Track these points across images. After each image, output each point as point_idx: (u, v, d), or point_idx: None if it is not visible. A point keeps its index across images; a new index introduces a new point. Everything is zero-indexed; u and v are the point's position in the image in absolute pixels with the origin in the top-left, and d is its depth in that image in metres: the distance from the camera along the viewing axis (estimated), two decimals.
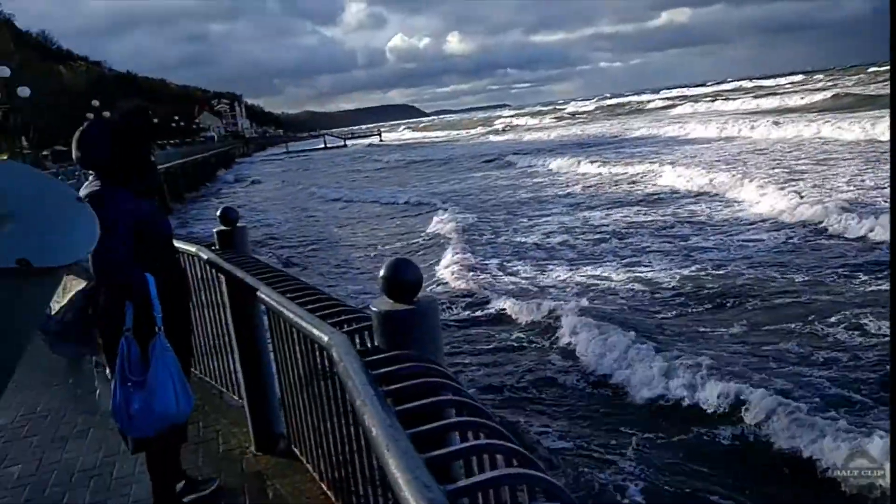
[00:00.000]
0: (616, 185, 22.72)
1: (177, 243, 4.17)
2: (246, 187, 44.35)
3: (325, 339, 1.77)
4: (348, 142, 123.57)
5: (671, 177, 21.62)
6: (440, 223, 18.13)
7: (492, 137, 75.50)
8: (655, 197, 19.06)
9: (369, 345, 1.79)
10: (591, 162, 29.37)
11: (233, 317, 3.40)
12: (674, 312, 9.00)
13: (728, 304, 8.97)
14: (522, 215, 18.80)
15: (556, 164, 31.61)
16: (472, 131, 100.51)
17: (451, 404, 1.36)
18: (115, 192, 2.80)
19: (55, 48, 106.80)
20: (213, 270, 3.60)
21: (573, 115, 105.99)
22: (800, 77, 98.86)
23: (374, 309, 1.71)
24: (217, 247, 3.70)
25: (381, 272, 1.70)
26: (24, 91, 33.50)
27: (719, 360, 6.75)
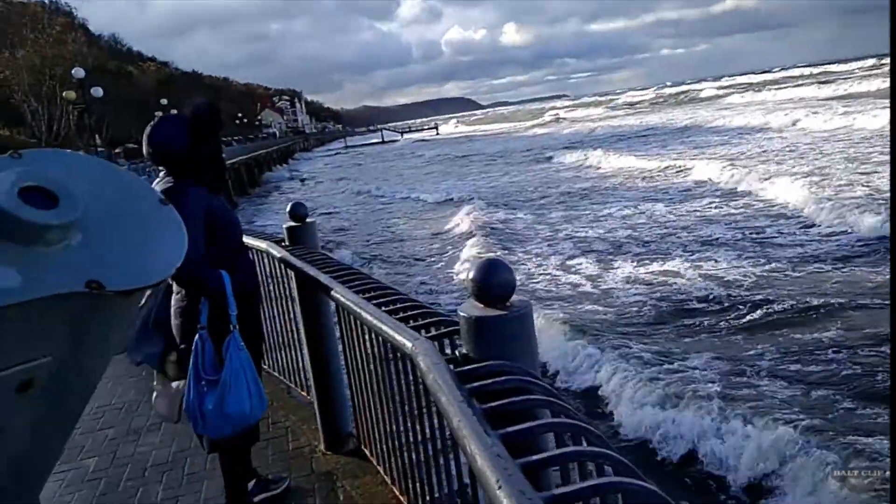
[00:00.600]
0: (652, 179, 22.36)
1: (246, 239, 4.17)
2: (296, 183, 45.04)
3: (409, 345, 1.65)
4: (405, 135, 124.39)
5: (708, 170, 21.12)
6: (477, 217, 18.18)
7: (539, 130, 74.82)
8: (702, 190, 18.57)
9: (455, 353, 1.66)
10: (631, 154, 29.04)
11: (303, 314, 3.33)
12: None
13: (817, 314, 7.95)
14: (583, 208, 18.50)
15: (590, 155, 31.42)
16: (524, 124, 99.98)
17: (559, 428, 1.21)
18: (189, 187, 2.75)
19: (126, 50, 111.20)
20: (283, 266, 3.55)
21: (631, 104, 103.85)
22: (871, 62, 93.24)
23: (462, 314, 1.57)
24: (287, 242, 3.65)
25: (471, 273, 1.56)
26: (97, 91, 34.87)
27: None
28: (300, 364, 4.08)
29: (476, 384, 1.37)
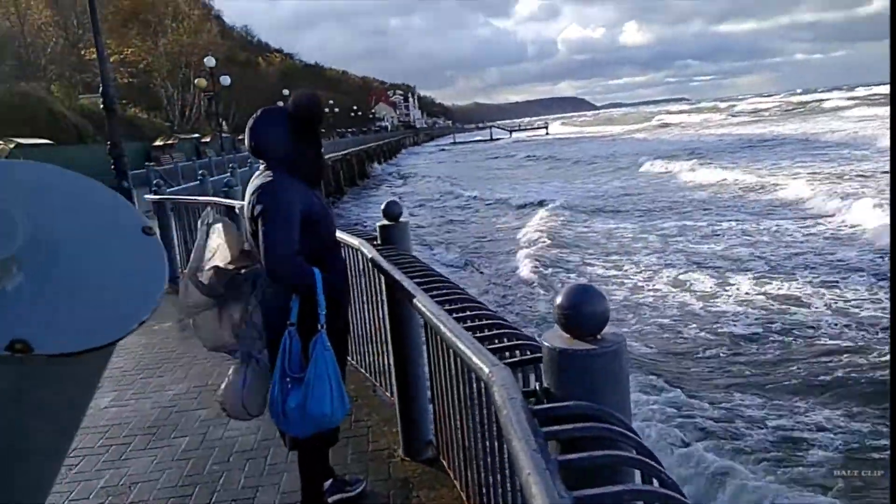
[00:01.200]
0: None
1: (340, 235, 4.17)
2: (398, 179, 45.68)
3: (486, 370, 1.50)
4: (514, 133, 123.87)
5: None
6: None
7: (644, 135, 72.18)
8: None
9: (536, 384, 1.49)
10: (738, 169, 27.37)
11: (389, 316, 3.26)
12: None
13: None
14: (698, 220, 17.64)
15: (683, 167, 29.95)
16: (631, 126, 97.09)
17: (651, 498, 1.03)
18: (287, 181, 2.73)
19: (255, 41, 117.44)
20: (373, 266, 3.50)
21: (751, 111, 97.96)
22: None
23: (545, 343, 1.41)
24: (379, 241, 3.60)
25: (559, 299, 1.39)
26: (225, 80, 36.92)
27: None
28: (386, 364, 4.03)
29: (555, 428, 1.20)
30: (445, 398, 2.75)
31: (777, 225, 15.63)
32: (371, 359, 4.45)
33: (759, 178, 24.06)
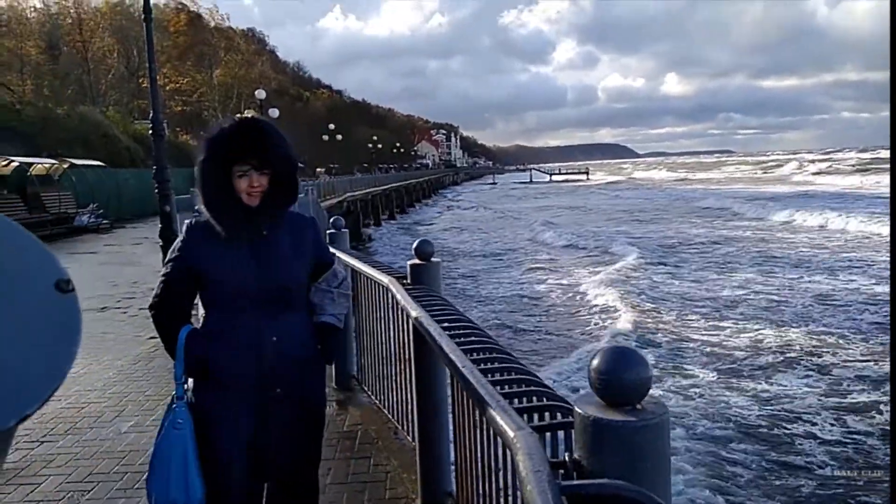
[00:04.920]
0: None
1: (369, 271, 4.09)
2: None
3: (510, 434, 1.37)
4: (553, 177, 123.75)
5: None
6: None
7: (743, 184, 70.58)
8: None
9: (565, 454, 1.35)
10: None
11: (415, 358, 3.14)
12: None
13: None
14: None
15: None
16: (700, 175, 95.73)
17: None
18: (193, 227, 2.37)
19: (307, 76, 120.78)
20: (399, 309, 3.39)
21: (817, 169, 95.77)
22: None
23: (578, 410, 1.27)
24: (409, 280, 3.50)
25: (595, 362, 1.26)
26: (273, 112, 37.93)
27: None
28: (409, 407, 3.89)
29: None
30: (468, 451, 2.60)
31: None
32: (396, 399, 4.32)
33: None
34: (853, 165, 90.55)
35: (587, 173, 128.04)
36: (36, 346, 0.53)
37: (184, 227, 2.28)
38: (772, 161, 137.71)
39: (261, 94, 36.36)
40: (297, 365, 2.23)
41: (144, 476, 3.65)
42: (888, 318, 10.68)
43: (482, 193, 70.52)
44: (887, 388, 8.27)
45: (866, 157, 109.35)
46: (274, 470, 2.28)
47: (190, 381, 2.23)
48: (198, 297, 2.29)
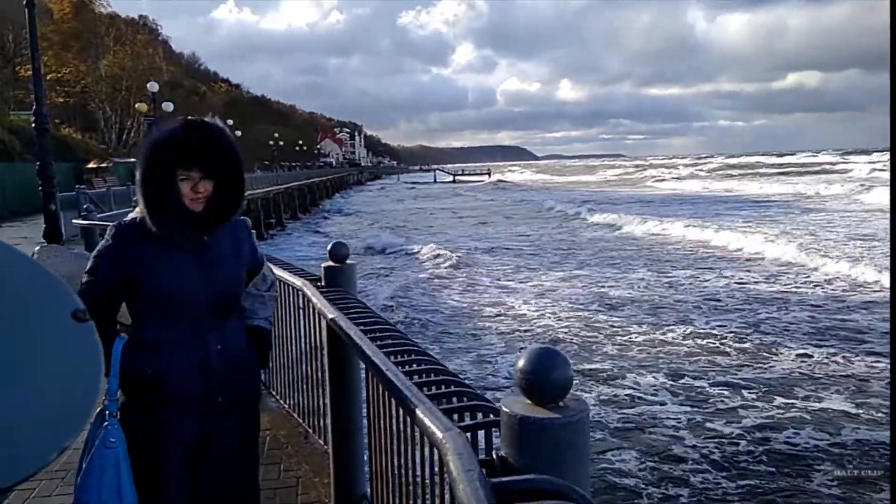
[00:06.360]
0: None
1: (283, 274, 4.01)
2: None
3: (439, 435, 1.40)
4: (457, 178, 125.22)
5: None
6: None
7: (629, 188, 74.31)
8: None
9: (493, 452, 1.40)
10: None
11: (329, 362, 3.11)
12: None
13: None
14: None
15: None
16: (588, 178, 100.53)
17: None
18: (123, 227, 2.24)
19: (202, 69, 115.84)
20: (314, 310, 3.35)
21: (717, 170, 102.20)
22: None
23: (505, 409, 1.32)
24: (323, 283, 3.46)
25: (521, 363, 1.31)
26: (168, 105, 36.16)
27: None
28: (321, 410, 3.85)
29: None
30: (386, 452, 2.61)
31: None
32: (306, 403, 4.25)
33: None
34: (710, 171, 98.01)
35: (489, 174, 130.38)
36: (73, 373, 0.48)
37: (110, 231, 2.14)
38: (647, 165, 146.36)
39: (153, 86, 34.55)
40: (238, 373, 2.17)
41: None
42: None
43: (371, 194, 70.82)
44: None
45: (733, 163, 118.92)
46: (217, 488, 2.19)
47: (120, 395, 2.09)
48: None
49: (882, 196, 37.45)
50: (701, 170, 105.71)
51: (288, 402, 4.57)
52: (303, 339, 4.06)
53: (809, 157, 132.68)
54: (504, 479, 1.22)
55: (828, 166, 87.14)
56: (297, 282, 3.55)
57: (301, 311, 3.90)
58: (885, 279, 14.25)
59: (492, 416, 1.59)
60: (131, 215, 2.16)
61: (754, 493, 5.90)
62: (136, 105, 41.02)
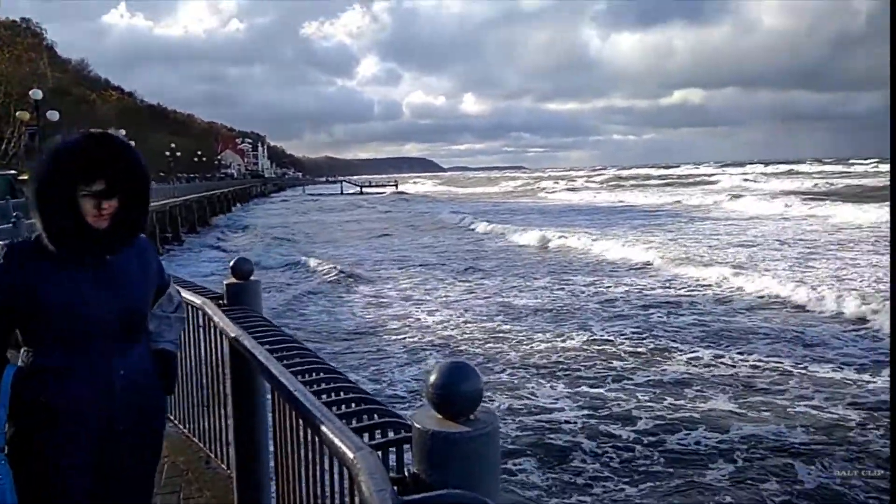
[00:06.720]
0: None
1: (182, 292, 3.83)
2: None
3: (350, 455, 1.37)
4: (364, 189, 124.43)
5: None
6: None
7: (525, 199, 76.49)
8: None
9: (405, 469, 1.39)
10: None
11: (232, 383, 2.99)
12: None
13: None
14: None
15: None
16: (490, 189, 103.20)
17: None
18: (15, 248, 2.08)
19: (92, 75, 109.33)
20: (215, 329, 3.22)
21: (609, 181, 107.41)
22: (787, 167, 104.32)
23: (417, 425, 1.31)
24: (225, 301, 3.33)
25: (432, 377, 1.31)
26: (53, 115, 33.90)
27: None
28: (224, 434, 3.69)
29: None
30: (294, 475, 2.53)
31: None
32: (206, 426, 4.07)
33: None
34: (602, 182, 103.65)
35: (396, 185, 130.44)
36: None
37: (1, 251, 1.95)
38: (546, 177, 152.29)
39: (36, 94, 32.32)
40: (142, 399, 2.03)
41: None
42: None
43: (275, 207, 69.73)
44: None
45: (624, 174, 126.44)
46: None
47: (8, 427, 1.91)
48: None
49: (744, 205, 42.12)
50: (594, 181, 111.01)
51: (187, 426, 4.36)
52: (203, 361, 3.89)
53: (692, 168, 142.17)
54: (416, 496, 1.22)
55: (705, 178, 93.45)
56: (198, 300, 3.40)
57: (202, 331, 3.74)
58: (759, 284, 15.41)
59: (403, 431, 1.58)
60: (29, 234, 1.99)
61: (654, 493, 6.17)
62: (17, 113, 38.11)
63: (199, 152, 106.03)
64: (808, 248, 22.76)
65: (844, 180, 63.01)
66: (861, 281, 16.13)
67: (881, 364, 9.45)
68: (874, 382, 8.80)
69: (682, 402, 8.45)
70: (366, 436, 1.58)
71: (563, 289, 16.84)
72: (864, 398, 8.29)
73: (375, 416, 1.72)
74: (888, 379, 8.63)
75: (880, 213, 29.36)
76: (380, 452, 1.59)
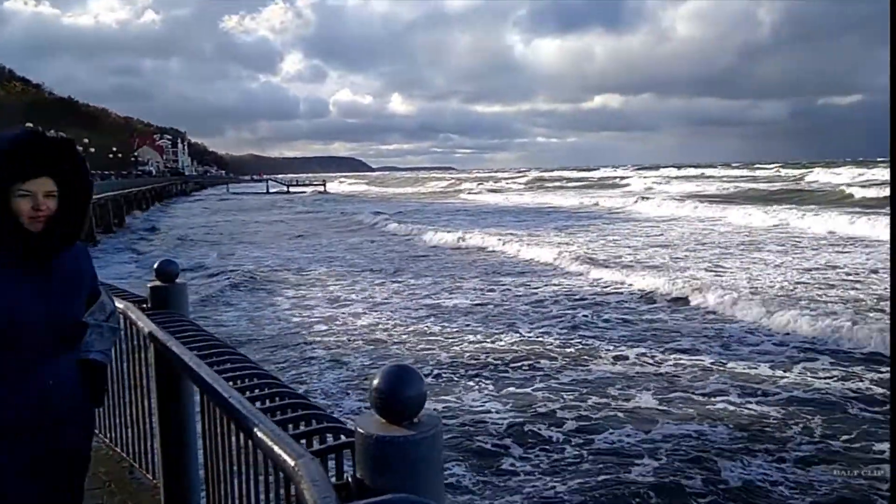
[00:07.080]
0: None
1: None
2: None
3: (291, 463, 1.35)
4: (291, 188, 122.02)
5: None
6: None
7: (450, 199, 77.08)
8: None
9: (346, 477, 1.37)
10: None
11: (158, 390, 2.88)
12: None
13: None
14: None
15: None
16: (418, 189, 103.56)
17: None
18: None
19: None
20: (139, 334, 3.09)
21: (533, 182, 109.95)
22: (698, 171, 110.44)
23: (360, 430, 1.30)
24: (149, 305, 3.20)
25: (375, 381, 1.31)
26: None
27: None
28: (149, 441, 3.56)
29: None
30: (226, 484, 2.46)
31: None
32: (129, 435, 3.90)
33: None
34: (524, 184, 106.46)
35: (324, 185, 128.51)
36: None
37: None
38: (473, 178, 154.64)
39: None
40: (70, 412, 1.93)
41: None
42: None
43: (196, 206, 67.92)
44: None
45: (546, 176, 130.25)
46: None
47: None
48: None
49: (650, 207, 44.25)
50: (517, 182, 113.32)
51: (109, 435, 4.17)
52: (125, 368, 3.73)
53: (610, 171, 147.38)
54: (360, 502, 1.21)
55: (618, 180, 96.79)
56: (120, 304, 3.25)
57: (124, 338, 3.58)
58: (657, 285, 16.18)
59: (342, 436, 1.57)
60: None
61: (583, 491, 6.32)
62: None
63: (115, 148, 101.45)
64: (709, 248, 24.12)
65: (749, 184, 66.96)
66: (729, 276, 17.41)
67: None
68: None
69: (606, 399, 8.71)
70: (308, 442, 1.56)
71: (493, 290, 17.04)
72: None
73: (314, 421, 1.70)
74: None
75: (778, 216, 31.94)
76: (320, 461, 1.58)
